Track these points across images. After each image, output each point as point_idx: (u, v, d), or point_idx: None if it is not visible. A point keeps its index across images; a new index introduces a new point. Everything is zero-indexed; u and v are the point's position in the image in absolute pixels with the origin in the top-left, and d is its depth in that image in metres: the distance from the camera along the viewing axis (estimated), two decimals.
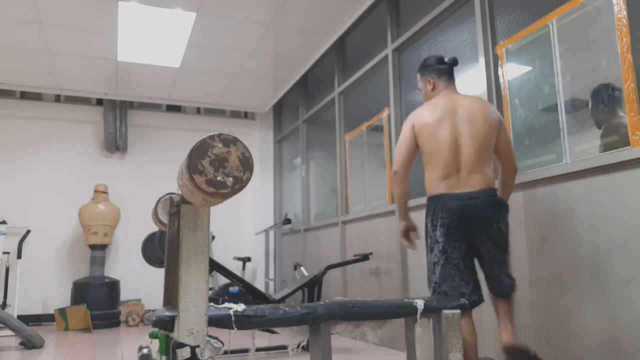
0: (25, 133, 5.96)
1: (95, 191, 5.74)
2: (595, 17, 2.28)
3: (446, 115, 2.23)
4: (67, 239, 5.93)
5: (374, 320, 1.87)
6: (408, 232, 2.40)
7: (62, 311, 5.18)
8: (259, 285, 6.53)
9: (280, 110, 6.79)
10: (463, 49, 3.19)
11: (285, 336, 1.77)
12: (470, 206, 2.14)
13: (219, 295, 4.25)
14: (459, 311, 1.91)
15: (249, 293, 3.49)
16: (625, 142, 2.12)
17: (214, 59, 5.12)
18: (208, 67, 5.33)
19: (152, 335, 1.57)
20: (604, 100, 2.25)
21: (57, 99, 6.16)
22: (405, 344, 2.00)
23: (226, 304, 1.64)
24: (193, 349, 1.39)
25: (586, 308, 2.23)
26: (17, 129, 5.93)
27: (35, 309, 5.66)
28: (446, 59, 2.44)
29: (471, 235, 2.17)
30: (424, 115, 2.27)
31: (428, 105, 2.31)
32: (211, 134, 1.30)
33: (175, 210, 1.84)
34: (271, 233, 6.45)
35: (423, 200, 3.39)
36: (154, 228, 6.11)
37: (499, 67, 2.87)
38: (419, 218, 3.47)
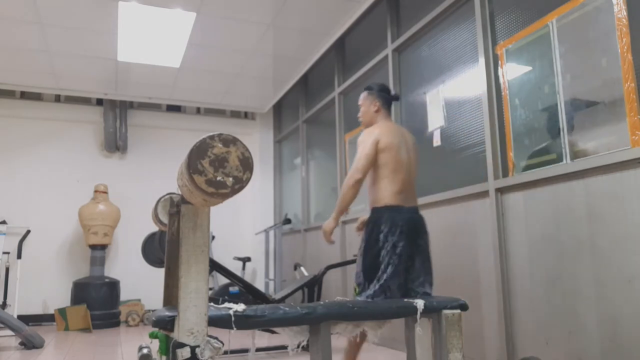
0: (25, 133, 5.96)
1: (95, 191, 5.74)
2: (595, 17, 2.28)
3: (402, 140, 2.60)
4: (67, 239, 5.94)
5: (374, 320, 1.87)
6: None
7: (62, 311, 5.18)
8: (259, 285, 6.53)
9: (280, 110, 6.79)
10: (463, 49, 3.19)
11: (285, 336, 1.77)
12: (417, 219, 2.54)
13: (219, 295, 4.25)
14: (459, 311, 1.92)
15: (249, 293, 3.49)
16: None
17: (214, 59, 5.12)
18: (208, 67, 5.33)
19: (152, 335, 1.57)
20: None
21: (57, 99, 6.16)
22: (405, 344, 2.00)
23: (226, 304, 1.64)
24: (193, 349, 1.39)
25: (586, 308, 2.23)
26: (17, 129, 5.93)
27: (35, 309, 5.66)
28: (392, 92, 2.77)
29: (412, 244, 2.51)
30: (386, 135, 2.58)
31: (385, 128, 2.62)
32: (211, 134, 1.30)
33: (175, 210, 1.84)
34: (271, 233, 6.45)
35: (423, 200, 3.39)
36: (154, 228, 6.10)
37: (499, 67, 2.87)
38: None
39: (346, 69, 4.79)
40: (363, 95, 2.79)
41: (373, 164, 2.58)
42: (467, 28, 3.15)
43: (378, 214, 2.57)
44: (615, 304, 2.11)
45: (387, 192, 2.56)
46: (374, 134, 2.58)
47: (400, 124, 3.83)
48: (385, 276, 2.47)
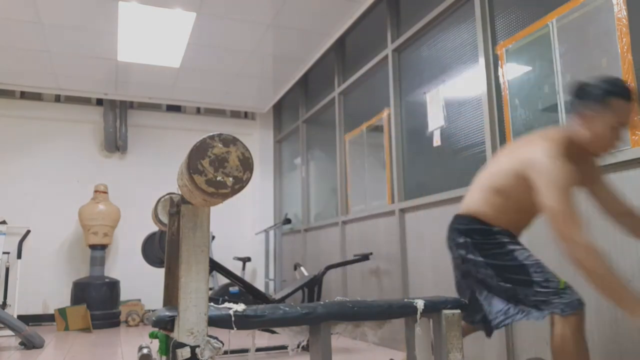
0: (25, 133, 5.96)
1: (95, 191, 5.74)
2: (595, 17, 2.29)
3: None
4: (67, 239, 5.94)
5: (374, 320, 1.87)
6: None
7: (62, 311, 5.18)
8: (259, 285, 6.53)
9: (280, 110, 6.79)
10: (463, 49, 3.19)
11: (285, 336, 1.77)
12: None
13: (219, 295, 4.25)
14: (459, 311, 1.91)
15: (249, 293, 3.49)
16: None
17: (214, 59, 5.12)
18: (208, 67, 5.33)
19: (152, 335, 1.57)
20: None
21: (57, 99, 6.17)
22: (405, 344, 2.00)
23: (226, 304, 1.64)
24: (193, 349, 1.39)
25: (586, 308, 2.23)
26: (17, 129, 5.93)
27: (35, 309, 5.66)
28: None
29: None
30: None
31: None
32: (211, 134, 1.30)
33: (175, 210, 1.84)
34: (271, 233, 6.45)
35: (423, 200, 3.40)
36: (154, 228, 6.10)
37: (499, 67, 2.87)
38: (414, 218, 3.48)
39: (346, 69, 4.79)
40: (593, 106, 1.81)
41: None
42: (467, 28, 3.15)
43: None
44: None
45: None
46: None
47: (401, 124, 3.83)
48: None
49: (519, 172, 1.86)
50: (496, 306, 1.96)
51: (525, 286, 1.85)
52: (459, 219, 2.07)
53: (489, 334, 2.02)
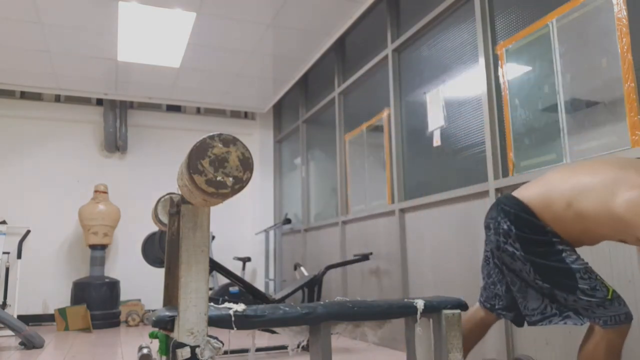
0: (25, 133, 5.96)
1: (95, 191, 5.74)
2: (595, 17, 2.29)
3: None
4: (67, 239, 5.94)
5: (374, 320, 1.87)
6: None
7: (62, 311, 5.18)
8: (259, 285, 6.53)
9: (280, 110, 6.79)
10: (463, 49, 3.19)
11: (285, 336, 1.77)
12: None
13: (219, 295, 4.25)
14: (459, 311, 1.92)
15: (249, 293, 3.49)
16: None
17: (214, 59, 5.12)
18: (208, 67, 5.33)
19: (152, 335, 1.57)
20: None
21: (57, 99, 6.17)
22: (405, 344, 2.00)
23: (226, 304, 1.64)
24: (193, 349, 1.39)
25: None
26: (17, 129, 5.93)
27: (35, 309, 5.66)
28: None
29: None
30: None
31: None
32: (211, 134, 1.30)
33: (175, 210, 1.84)
34: (271, 233, 6.45)
35: (423, 200, 3.40)
36: (154, 228, 6.10)
37: (499, 67, 2.87)
38: (414, 218, 3.48)
39: (346, 69, 4.79)
40: None
41: None
42: (467, 28, 3.15)
43: None
44: None
45: None
46: None
47: (401, 124, 3.83)
48: None
49: (619, 215, 1.58)
50: (532, 302, 1.84)
51: (568, 291, 1.72)
52: (510, 199, 1.86)
53: (519, 324, 1.94)
